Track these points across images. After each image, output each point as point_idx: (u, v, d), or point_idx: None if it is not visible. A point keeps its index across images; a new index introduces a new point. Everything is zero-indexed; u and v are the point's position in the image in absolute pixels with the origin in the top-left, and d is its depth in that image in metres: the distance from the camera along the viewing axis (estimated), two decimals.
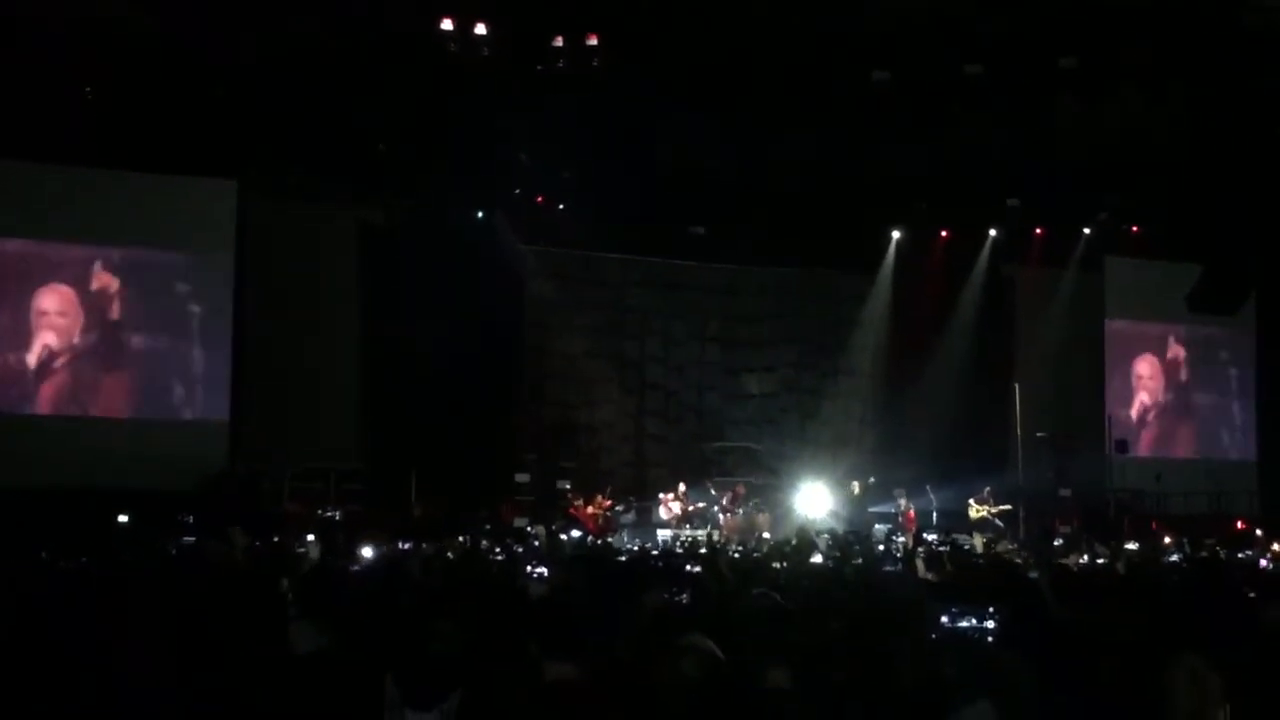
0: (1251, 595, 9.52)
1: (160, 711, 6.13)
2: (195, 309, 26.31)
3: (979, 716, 5.23)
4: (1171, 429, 34.30)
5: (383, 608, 7.52)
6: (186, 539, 17.68)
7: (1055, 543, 22.18)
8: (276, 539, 17.63)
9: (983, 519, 27.22)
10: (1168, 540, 22.54)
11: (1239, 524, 28.86)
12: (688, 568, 11.37)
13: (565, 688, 5.63)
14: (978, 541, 24.15)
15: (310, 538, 17.43)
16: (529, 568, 10.67)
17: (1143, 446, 33.52)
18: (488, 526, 23.36)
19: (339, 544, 16.73)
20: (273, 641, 6.74)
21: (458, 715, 5.71)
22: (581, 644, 5.87)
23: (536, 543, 19.43)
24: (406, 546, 17.92)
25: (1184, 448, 34.30)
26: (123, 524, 20.41)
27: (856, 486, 28.04)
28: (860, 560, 15.16)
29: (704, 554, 16.89)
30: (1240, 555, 19.84)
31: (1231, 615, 7.91)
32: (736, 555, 17.12)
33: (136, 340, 25.98)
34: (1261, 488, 32.81)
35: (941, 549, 18.73)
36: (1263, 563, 17.88)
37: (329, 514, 23.72)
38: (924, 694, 5.75)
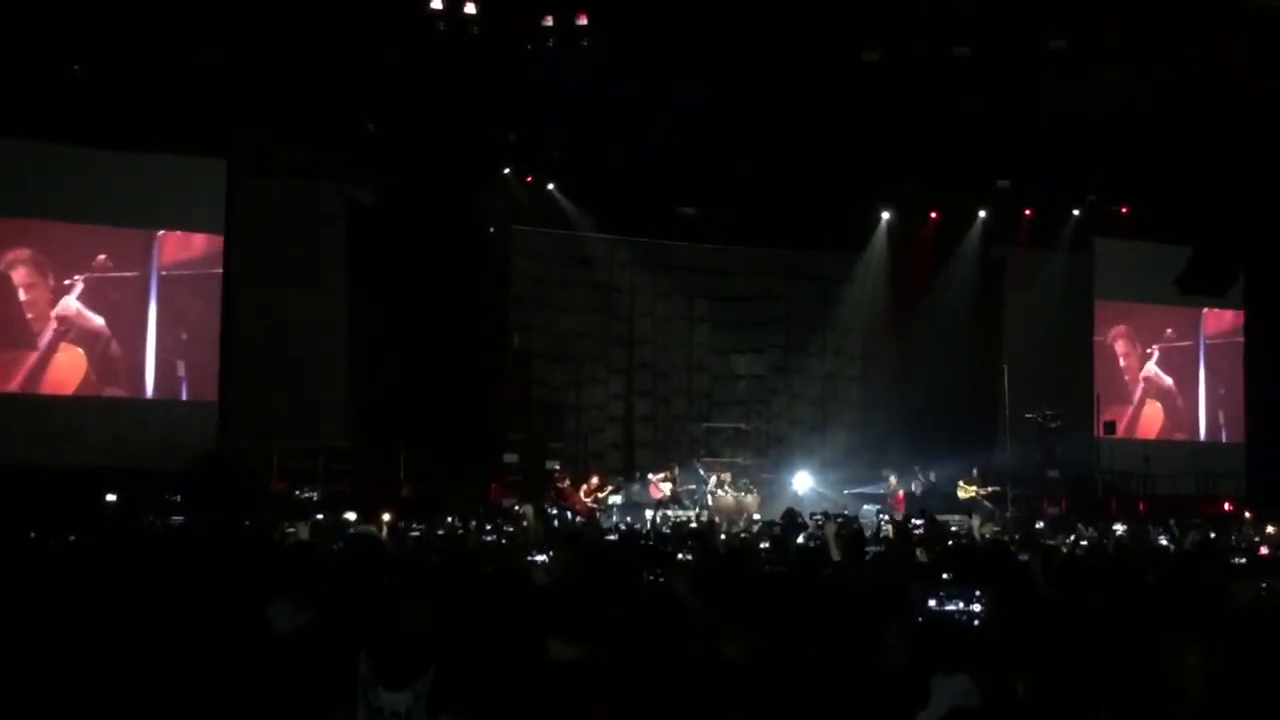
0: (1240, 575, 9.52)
1: (141, 689, 6.12)
2: (183, 288, 26.28)
3: (959, 690, 5.24)
4: (1159, 410, 34.34)
5: (361, 586, 7.51)
6: (175, 518, 17.66)
7: (1038, 524, 22.17)
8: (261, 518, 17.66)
9: (972, 499, 27.25)
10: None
11: (1226, 505, 28.95)
12: (679, 556, 11.32)
13: (569, 668, 5.63)
14: (975, 524, 24.26)
15: (320, 517, 17.49)
16: (531, 556, 10.61)
17: (1130, 428, 33.59)
18: (481, 510, 23.30)
19: (325, 523, 16.74)
20: (251, 620, 6.72)
21: (431, 695, 5.69)
22: (584, 624, 5.86)
23: (525, 523, 19.39)
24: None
25: (1171, 429, 34.36)
26: (110, 503, 20.35)
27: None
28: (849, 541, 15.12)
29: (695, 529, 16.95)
30: (1233, 538, 19.88)
31: (1218, 596, 7.92)
32: (724, 536, 17.17)
33: (122, 319, 25.92)
34: (1249, 469, 32.89)
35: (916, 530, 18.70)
36: (1264, 550, 17.87)
37: (307, 494, 23.67)
38: (906, 670, 5.75)
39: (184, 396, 26.32)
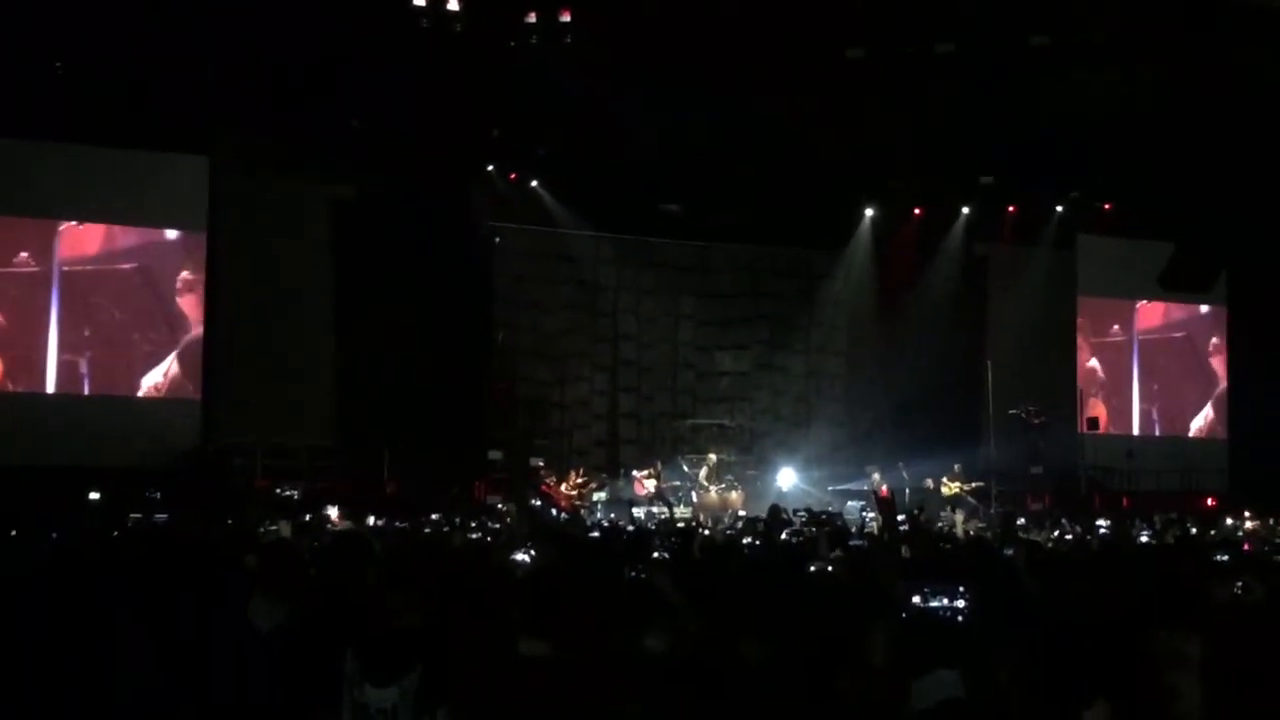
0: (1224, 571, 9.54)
1: (129, 687, 6.11)
2: (167, 285, 26.22)
3: (945, 685, 5.25)
4: (1142, 406, 34.40)
5: (344, 583, 7.51)
6: (158, 516, 17.64)
7: (1019, 520, 22.20)
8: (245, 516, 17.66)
9: (956, 496, 27.27)
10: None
11: (1209, 501, 29.05)
12: (655, 555, 11.34)
13: (539, 664, 5.63)
14: (958, 520, 24.30)
15: (309, 517, 17.51)
16: (518, 554, 10.60)
17: (1113, 424, 33.63)
18: (466, 507, 23.28)
19: (309, 521, 16.74)
20: (235, 617, 6.71)
21: (418, 691, 5.68)
22: (558, 620, 5.86)
23: (508, 520, 19.41)
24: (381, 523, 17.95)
25: (1155, 425, 34.42)
26: (94, 501, 20.33)
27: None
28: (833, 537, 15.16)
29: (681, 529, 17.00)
30: (1212, 533, 19.96)
31: (1198, 592, 7.95)
32: (706, 533, 17.20)
33: (107, 317, 25.87)
34: (1231, 465, 32.99)
35: (903, 527, 18.87)
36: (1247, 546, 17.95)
37: (286, 492, 23.60)
38: (892, 667, 5.76)
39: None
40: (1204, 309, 34.71)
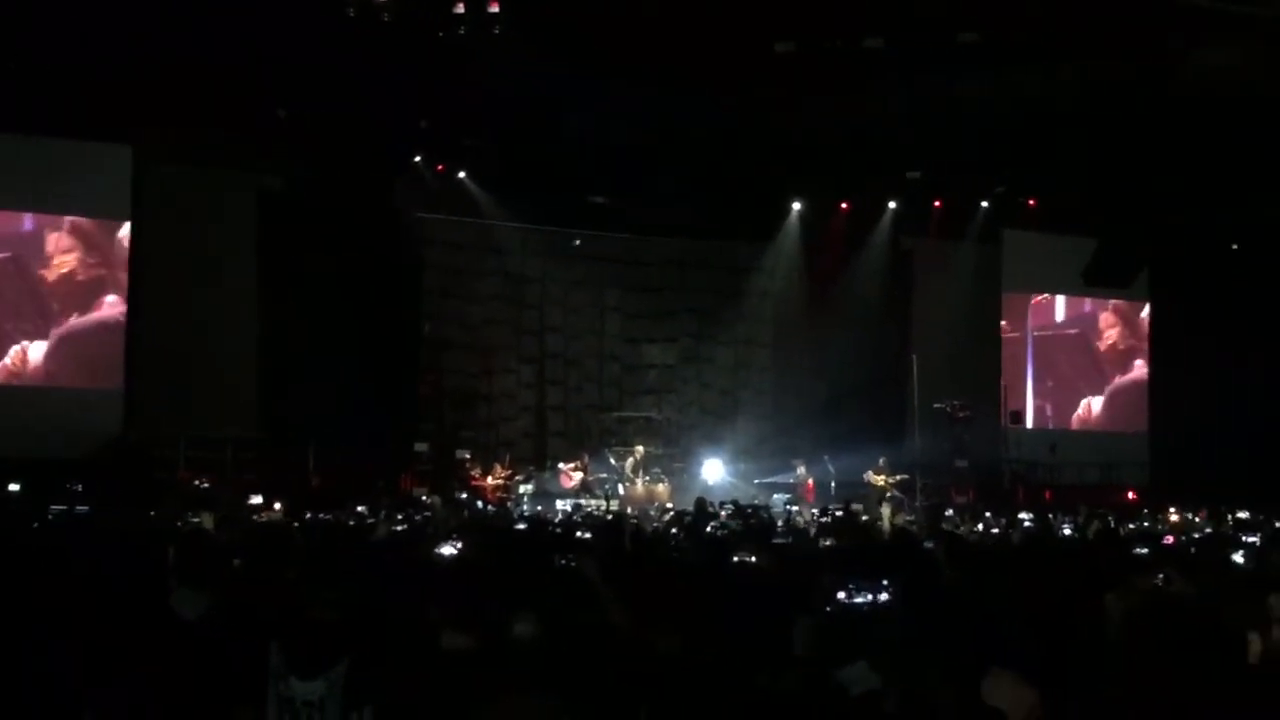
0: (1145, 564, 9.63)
1: (49, 678, 6.05)
2: (90, 275, 25.99)
3: (859, 676, 5.28)
4: (1065, 400, 34.69)
5: (266, 575, 7.47)
6: (80, 507, 17.47)
7: (946, 513, 22.34)
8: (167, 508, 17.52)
9: (883, 489, 27.37)
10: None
11: (1130, 495, 29.33)
12: (577, 534, 11.36)
13: (460, 657, 5.62)
14: (885, 514, 24.41)
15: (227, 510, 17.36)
16: (444, 547, 10.55)
17: (1037, 418, 33.87)
18: (390, 499, 23.18)
19: (230, 513, 16.63)
20: (155, 609, 6.66)
21: (344, 684, 5.65)
22: (480, 614, 5.85)
23: (429, 514, 19.32)
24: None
25: (1077, 419, 34.70)
26: (13, 492, 20.12)
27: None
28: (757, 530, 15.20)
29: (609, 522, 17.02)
30: (1131, 526, 20.14)
31: (1124, 584, 8.02)
32: (634, 522, 17.21)
33: (29, 307, 25.62)
34: (1152, 460, 33.32)
35: (824, 519, 19.01)
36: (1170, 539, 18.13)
37: (202, 484, 23.42)
38: (813, 660, 5.79)
39: None
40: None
